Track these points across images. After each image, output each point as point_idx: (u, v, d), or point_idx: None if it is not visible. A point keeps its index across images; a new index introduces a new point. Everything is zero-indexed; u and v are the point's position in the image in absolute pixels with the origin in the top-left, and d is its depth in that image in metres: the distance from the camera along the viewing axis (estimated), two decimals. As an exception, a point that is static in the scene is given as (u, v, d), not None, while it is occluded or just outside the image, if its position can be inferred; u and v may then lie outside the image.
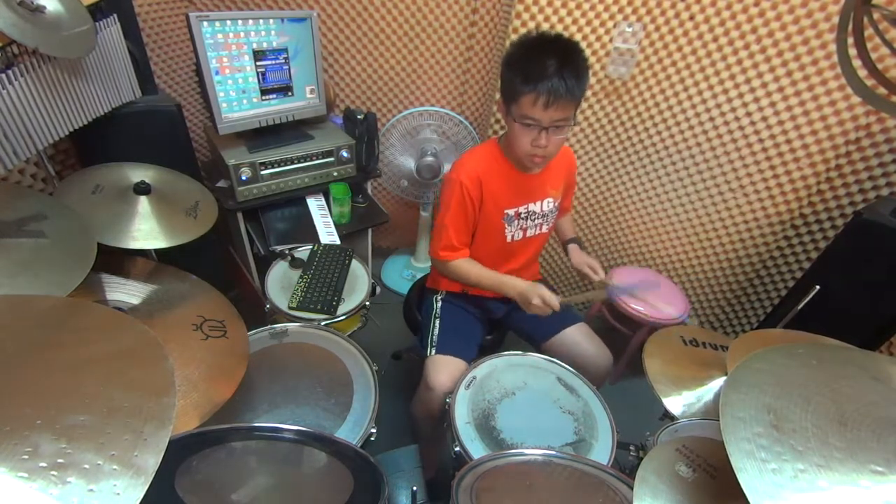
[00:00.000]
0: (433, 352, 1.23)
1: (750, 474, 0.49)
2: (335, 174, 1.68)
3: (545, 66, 0.96)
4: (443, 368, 1.17)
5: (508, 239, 1.26)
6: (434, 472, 1.35)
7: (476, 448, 0.92)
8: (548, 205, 1.27)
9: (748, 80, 1.45)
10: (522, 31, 1.57)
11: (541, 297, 1.10)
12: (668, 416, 1.02)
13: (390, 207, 2.33)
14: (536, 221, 1.27)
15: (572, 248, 1.37)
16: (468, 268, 1.22)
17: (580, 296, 1.18)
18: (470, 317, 1.35)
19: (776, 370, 0.62)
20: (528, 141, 1.05)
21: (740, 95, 1.48)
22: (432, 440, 1.29)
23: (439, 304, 1.36)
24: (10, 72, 0.95)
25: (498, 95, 1.10)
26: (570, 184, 1.38)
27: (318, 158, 1.62)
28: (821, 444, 0.51)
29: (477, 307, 1.37)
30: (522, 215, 1.24)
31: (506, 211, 1.21)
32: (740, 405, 0.57)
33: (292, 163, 1.57)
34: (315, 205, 1.67)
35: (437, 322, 1.31)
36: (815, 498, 0.47)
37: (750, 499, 0.48)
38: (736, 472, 0.50)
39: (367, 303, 1.29)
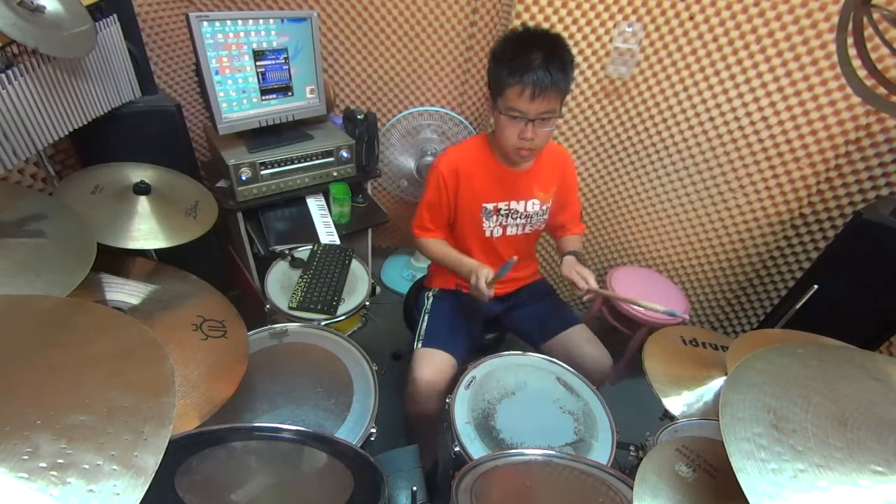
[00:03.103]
0: (419, 345, 1.24)
1: (750, 474, 0.49)
2: (335, 174, 1.68)
3: (531, 59, 0.98)
4: (427, 361, 1.18)
5: (487, 234, 1.26)
6: (431, 471, 1.35)
7: (476, 448, 0.91)
8: (533, 206, 1.26)
9: (748, 80, 1.45)
10: (522, 31, 1.57)
11: (476, 279, 1.07)
12: (668, 416, 1.02)
13: (390, 207, 2.33)
14: (518, 221, 1.26)
15: (568, 258, 1.24)
16: (433, 246, 1.27)
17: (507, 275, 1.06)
18: (461, 315, 1.35)
19: (776, 370, 0.62)
20: (515, 133, 1.06)
21: (740, 95, 1.48)
22: (425, 437, 1.28)
23: (430, 300, 1.37)
24: (10, 72, 0.95)
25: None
26: (569, 190, 1.31)
27: (317, 158, 1.62)
28: (821, 444, 0.51)
29: (470, 306, 1.36)
30: (503, 212, 1.24)
31: (484, 205, 1.22)
32: (740, 405, 0.57)
33: (292, 163, 1.57)
34: (315, 205, 1.67)
35: (426, 317, 1.32)
36: (815, 498, 0.47)
37: (750, 499, 0.48)
38: (736, 472, 0.50)
39: (367, 303, 1.29)
